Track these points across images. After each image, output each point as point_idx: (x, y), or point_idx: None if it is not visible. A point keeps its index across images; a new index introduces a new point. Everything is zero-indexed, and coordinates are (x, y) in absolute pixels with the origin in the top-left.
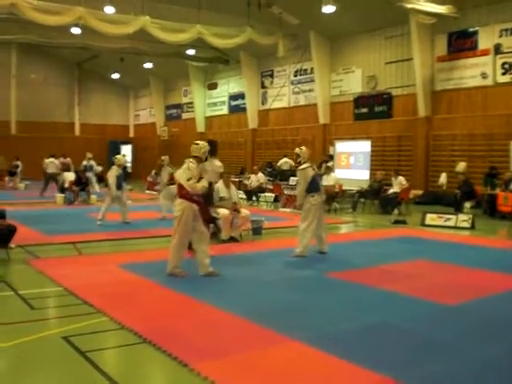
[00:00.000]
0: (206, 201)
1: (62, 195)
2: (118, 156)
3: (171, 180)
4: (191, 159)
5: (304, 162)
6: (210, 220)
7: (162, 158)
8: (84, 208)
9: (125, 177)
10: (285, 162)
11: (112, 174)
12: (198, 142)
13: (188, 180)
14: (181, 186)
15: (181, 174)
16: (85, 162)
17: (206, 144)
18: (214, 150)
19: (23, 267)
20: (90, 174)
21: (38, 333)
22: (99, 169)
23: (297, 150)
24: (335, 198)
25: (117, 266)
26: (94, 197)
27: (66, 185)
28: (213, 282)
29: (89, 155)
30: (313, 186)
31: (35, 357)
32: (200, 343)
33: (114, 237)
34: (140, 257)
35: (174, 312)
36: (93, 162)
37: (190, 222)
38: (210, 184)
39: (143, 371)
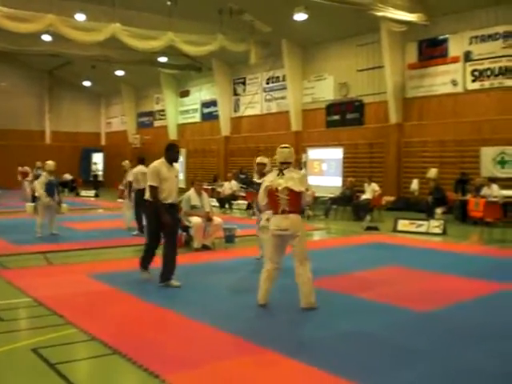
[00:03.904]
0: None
1: (32, 204)
2: (47, 161)
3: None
4: (292, 168)
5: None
6: (182, 228)
7: (123, 163)
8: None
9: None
10: None
11: (40, 182)
12: (286, 145)
13: (307, 190)
14: (299, 198)
15: (297, 185)
16: (34, 171)
17: None
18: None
19: None
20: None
21: (7, 345)
22: (68, 177)
23: (263, 159)
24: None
25: (86, 276)
26: (64, 205)
27: (36, 193)
28: (185, 291)
29: (38, 164)
30: None
31: (3, 369)
32: (171, 354)
33: (83, 246)
34: (110, 266)
35: (144, 322)
36: (41, 171)
37: None
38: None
39: (114, 383)
